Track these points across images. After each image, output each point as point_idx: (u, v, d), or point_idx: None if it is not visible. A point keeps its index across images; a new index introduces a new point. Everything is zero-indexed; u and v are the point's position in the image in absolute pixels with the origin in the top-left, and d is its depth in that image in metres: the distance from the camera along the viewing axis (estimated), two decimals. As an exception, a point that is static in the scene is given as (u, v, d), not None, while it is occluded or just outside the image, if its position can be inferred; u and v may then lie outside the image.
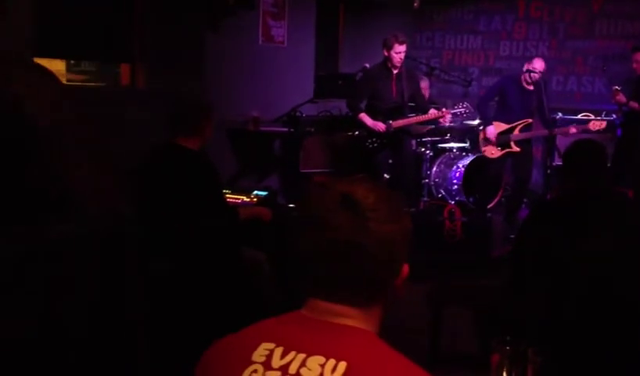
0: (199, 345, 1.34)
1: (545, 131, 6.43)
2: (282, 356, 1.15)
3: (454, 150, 7.12)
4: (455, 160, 7.00)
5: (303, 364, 1.12)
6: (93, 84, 6.52)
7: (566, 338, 2.33)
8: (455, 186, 6.85)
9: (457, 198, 6.75)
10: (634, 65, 6.67)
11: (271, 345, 1.17)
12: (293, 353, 1.14)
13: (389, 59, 6.05)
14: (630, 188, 5.78)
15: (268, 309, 3.43)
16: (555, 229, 2.76)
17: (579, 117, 7.42)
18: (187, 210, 3.28)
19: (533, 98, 6.34)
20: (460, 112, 6.19)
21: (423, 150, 6.89)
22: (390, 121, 6.04)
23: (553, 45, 8.10)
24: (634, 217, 2.77)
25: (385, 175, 6.40)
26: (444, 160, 7.08)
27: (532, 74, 6.22)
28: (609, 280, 2.39)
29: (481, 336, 3.08)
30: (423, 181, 6.85)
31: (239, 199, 4.19)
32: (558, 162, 6.81)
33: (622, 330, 2.25)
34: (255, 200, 4.23)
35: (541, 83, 6.34)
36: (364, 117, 6.08)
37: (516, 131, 6.36)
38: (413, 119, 6.17)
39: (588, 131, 6.31)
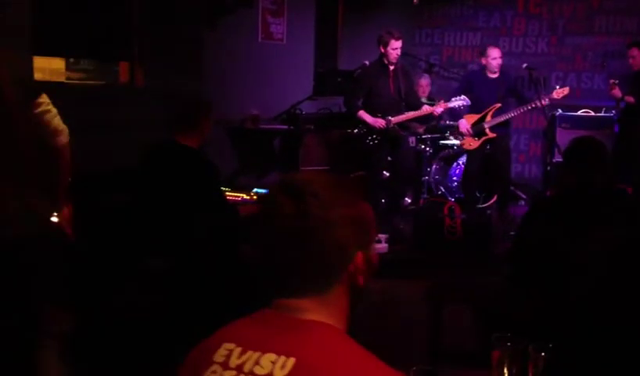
0: (198, 343, 1.34)
1: (516, 111, 6.45)
2: (240, 356, 1.16)
3: (454, 147, 7.11)
4: (455, 157, 6.99)
5: (257, 362, 1.14)
6: (92, 82, 6.52)
7: (566, 335, 2.33)
8: (455, 183, 6.84)
9: (457, 195, 6.74)
10: (630, 60, 6.71)
11: (232, 346, 1.18)
12: (249, 352, 1.16)
13: (385, 55, 6.04)
14: (629, 185, 5.78)
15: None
16: (555, 226, 2.75)
17: (579, 113, 7.42)
18: (186, 208, 3.28)
19: (500, 85, 6.39)
20: (458, 105, 6.20)
21: (423, 147, 6.88)
22: (390, 117, 6.04)
23: (553, 42, 8.10)
24: (635, 213, 2.76)
25: (384, 173, 6.40)
26: (444, 157, 7.07)
27: (492, 62, 6.29)
28: (610, 277, 2.39)
29: (481, 333, 3.07)
30: (423, 178, 6.84)
31: (238, 197, 4.18)
32: (558, 158, 6.81)
33: (623, 327, 2.25)
34: (255, 197, 4.23)
35: (507, 69, 6.46)
36: (364, 115, 6.07)
37: (488, 118, 6.41)
38: (411, 114, 6.17)
39: (554, 99, 6.33)
